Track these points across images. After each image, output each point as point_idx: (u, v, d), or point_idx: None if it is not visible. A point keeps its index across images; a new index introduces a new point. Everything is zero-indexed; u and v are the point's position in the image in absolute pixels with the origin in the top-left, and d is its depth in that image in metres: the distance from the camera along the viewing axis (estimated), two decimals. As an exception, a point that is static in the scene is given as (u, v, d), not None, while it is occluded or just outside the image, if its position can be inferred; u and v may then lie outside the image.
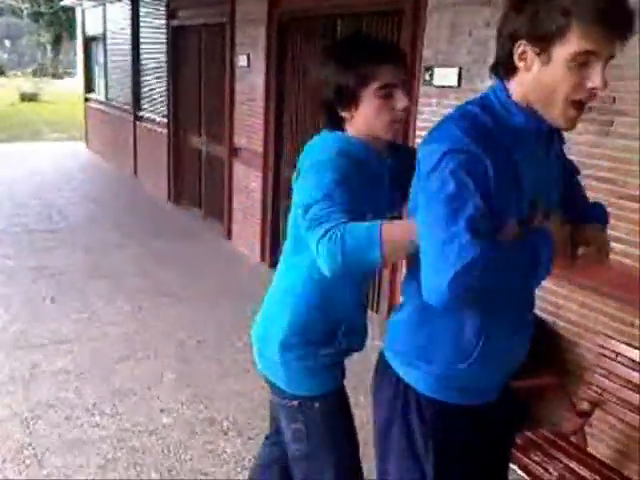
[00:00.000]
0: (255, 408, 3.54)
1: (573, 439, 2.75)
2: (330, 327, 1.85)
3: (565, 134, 1.51)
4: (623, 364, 2.74)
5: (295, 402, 1.88)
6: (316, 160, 1.68)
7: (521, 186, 1.39)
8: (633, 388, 2.67)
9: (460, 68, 3.59)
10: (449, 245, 1.27)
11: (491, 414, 1.60)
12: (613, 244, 2.87)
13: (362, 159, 1.72)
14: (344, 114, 1.76)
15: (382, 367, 1.65)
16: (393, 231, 1.48)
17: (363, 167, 1.70)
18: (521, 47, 1.34)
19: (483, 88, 3.63)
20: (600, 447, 2.96)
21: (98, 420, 3.38)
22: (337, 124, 1.79)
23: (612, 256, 2.86)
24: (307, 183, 1.64)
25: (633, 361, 2.71)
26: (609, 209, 2.84)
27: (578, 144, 2.98)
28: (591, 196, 2.92)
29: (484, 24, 3.41)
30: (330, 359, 1.88)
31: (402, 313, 1.60)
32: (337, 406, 1.93)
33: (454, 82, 3.62)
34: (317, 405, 1.87)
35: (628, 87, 2.78)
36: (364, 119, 1.74)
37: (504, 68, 1.41)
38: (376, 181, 1.78)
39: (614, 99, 2.83)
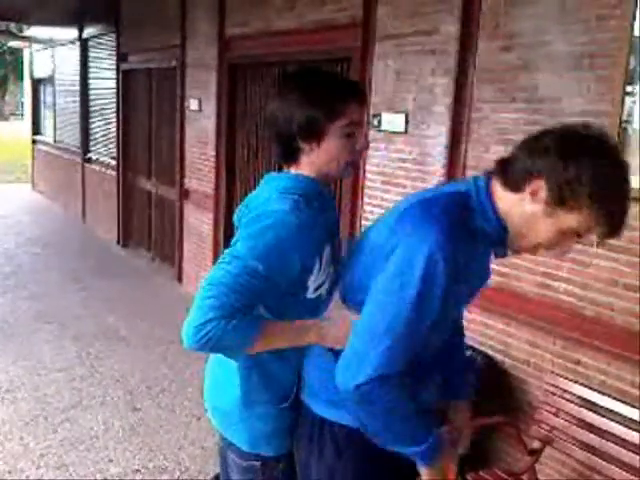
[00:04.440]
0: (207, 455, 3.47)
1: (524, 478, 2.78)
2: (292, 381, 1.70)
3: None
4: (571, 401, 2.80)
5: (257, 463, 1.74)
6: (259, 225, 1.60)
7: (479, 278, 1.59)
8: (581, 425, 2.73)
9: (407, 114, 3.69)
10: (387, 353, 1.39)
11: None
12: (558, 283, 2.96)
13: (314, 195, 1.66)
14: (304, 145, 1.67)
15: (302, 412, 1.69)
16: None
17: (317, 202, 1.66)
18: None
19: (429, 134, 3.72)
20: (551, 485, 3.00)
21: (44, 472, 3.26)
22: (292, 156, 1.71)
23: (557, 295, 2.96)
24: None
25: (580, 398, 2.77)
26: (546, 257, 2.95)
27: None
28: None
29: (429, 72, 3.53)
30: (294, 414, 1.71)
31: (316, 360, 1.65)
32: (294, 464, 1.79)
33: (401, 128, 3.71)
34: (281, 465, 1.75)
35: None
36: (324, 155, 1.67)
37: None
38: (330, 210, 1.76)
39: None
